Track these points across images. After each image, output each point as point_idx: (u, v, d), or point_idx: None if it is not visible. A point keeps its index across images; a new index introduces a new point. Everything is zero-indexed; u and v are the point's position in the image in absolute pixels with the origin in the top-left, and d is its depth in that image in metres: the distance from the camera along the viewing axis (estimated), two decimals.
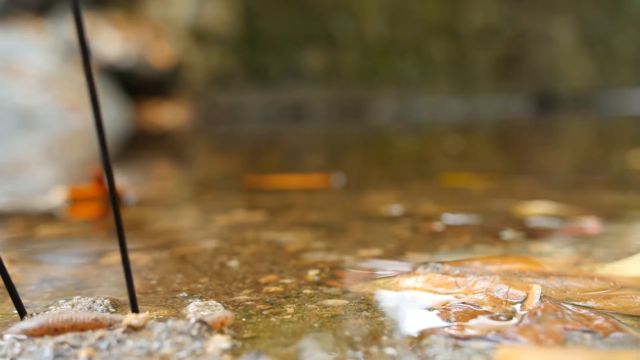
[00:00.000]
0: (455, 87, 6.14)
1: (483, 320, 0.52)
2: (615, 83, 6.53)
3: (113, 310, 0.57)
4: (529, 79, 6.42)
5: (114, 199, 0.45)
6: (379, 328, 0.52)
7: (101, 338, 0.46)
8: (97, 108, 0.41)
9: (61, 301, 0.60)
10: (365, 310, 0.56)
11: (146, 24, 5.35)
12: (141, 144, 3.29)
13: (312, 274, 0.69)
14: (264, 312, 0.56)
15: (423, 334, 0.50)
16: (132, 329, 0.48)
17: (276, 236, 0.91)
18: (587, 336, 0.48)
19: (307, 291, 0.63)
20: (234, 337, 0.49)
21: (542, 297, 0.56)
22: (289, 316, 0.55)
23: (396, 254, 0.78)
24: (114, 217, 0.45)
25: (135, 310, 0.50)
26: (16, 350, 0.46)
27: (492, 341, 0.48)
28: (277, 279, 0.68)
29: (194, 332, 0.48)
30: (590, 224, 0.93)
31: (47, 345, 0.46)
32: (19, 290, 0.67)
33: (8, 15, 5.08)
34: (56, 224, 1.10)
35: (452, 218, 1.03)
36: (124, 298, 0.61)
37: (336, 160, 2.34)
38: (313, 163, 2.26)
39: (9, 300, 0.63)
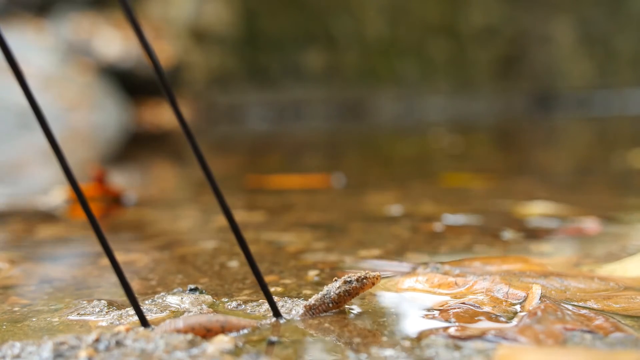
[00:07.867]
0: (456, 87, 6.13)
1: (483, 320, 0.52)
2: (615, 83, 6.53)
3: (114, 309, 0.57)
4: (529, 79, 6.41)
5: None
6: (379, 328, 0.52)
7: (99, 339, 0.46)
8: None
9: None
10: (366, 310, 0.56)
11: (146, 24, 5.34)
12: (141, 144, 3.29)
13: (312, 274, 0.69)
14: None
15: (423, 334, 0.50)
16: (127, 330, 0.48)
17: (276, 236, 0.91)
18: (587, 336, 0.48)
19: (307, 292, 0.63)
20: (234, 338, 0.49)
21: (542, 297, 0.56)
22: None
23: (396, 254, 0.78)
24: None
25: None
26: (16, 350, 0.46)
27: (492, 341, 0.47)
28: (278, 279, 0.68)
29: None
30: (590, 224, 0.93)
31: (47, 345, 0.46)
32: (18, 290, 0.67)
33: (8, 15, 5.08)
34: (56, 224, 1.10)
35: (452, 218, 1.03)
36: (123, 299, 0.61)
37: (336, 160, 2.34)
38: (313, 163, 2.26)
39: (10, 300, 0.63)
